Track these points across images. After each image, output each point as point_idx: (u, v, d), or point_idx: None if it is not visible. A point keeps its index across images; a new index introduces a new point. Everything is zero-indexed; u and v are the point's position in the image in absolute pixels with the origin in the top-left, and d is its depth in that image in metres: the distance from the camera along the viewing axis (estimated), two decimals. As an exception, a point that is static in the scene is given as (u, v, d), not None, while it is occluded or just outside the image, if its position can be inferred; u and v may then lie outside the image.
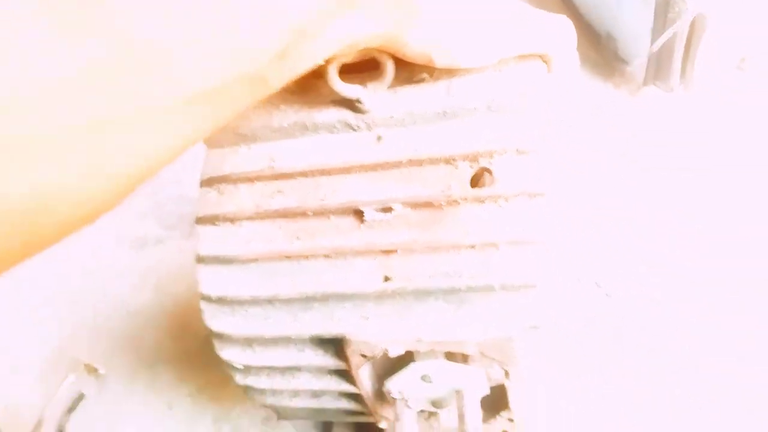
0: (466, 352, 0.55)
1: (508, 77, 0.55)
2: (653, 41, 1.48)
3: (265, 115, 0.64)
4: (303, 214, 0.61)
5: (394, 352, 0.57)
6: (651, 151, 1.53)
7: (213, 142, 0.68)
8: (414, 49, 0.51)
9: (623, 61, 1.69)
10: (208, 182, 0.67)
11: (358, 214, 0.58)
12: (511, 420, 0.68)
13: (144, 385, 1.05)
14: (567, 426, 0.91)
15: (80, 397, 1.02)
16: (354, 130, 0.61)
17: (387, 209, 0.57)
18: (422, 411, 0.65)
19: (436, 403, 0.63)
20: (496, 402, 0.63)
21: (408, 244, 0.56)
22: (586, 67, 1.72)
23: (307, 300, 0.61)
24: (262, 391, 0.73)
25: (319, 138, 0.62)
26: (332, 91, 0.56)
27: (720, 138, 1.50)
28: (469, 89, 0.56)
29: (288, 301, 0.62)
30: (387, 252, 0.57)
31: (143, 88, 0.33)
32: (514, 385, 0.60)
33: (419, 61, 0.53)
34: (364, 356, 0.59)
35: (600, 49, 1.76)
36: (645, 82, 1.67)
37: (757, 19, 1.61)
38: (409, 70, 0.57)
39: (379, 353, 0.58)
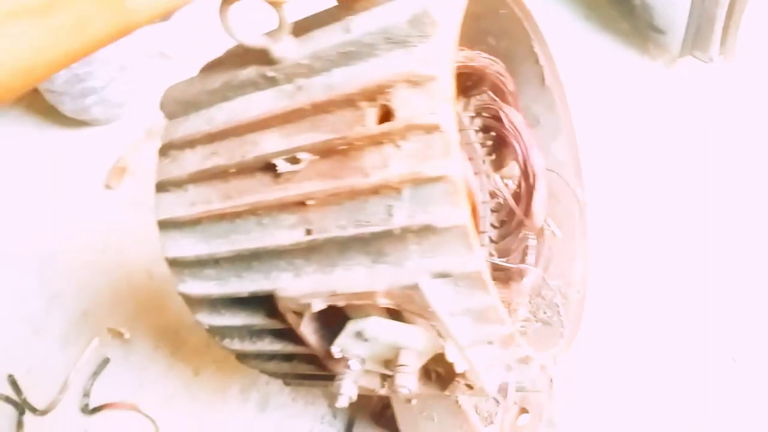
0: (377, 303, 0.52)
1: (403, 7, 0.52)
2: (692, 8, 1.37)
3: (205, 80, 0.66)
4: (232, 173, 0.61)
5: (316, 306, 0.56)
6: (689, 127, 1.47)
7: (170, 113, 0.71)
8: None
9: (658, 31, 1.60)
10: (162, 151, 0.69)
11: (272, 167, 0.57)
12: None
13: (169, 350, 1.05)
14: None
15: (105, 361, 1.03)
16: (275, 83, 0.60)
17: (295, 160, 0.55)
18: (375, 372, 0.63)
19: (388, 364, 0.61)
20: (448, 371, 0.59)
21: (320, 194, 0.54)
22: (618, 38, 1.64)
23: (246, 258, 0.61)
24: (240, 354, 0.74)
25: (247, 96, 0.62)
26: (250, 49, 0.57)
27: (764, 112, 1.37)
28: (365, 24, 0.53)
29: (231, 260, 0.62)
30: (303, 204, 0.55)
31: None
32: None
33: None
34: (296, 313, 0.58)
35: (633, 18, 1.67)
36: (682, 53, 1.58)
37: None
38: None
39: (305, 309, 0.56)
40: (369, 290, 0.52)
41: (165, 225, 0.67)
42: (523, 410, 0.78)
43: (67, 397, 0.97)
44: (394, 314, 0.56)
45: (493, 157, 0.85)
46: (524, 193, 0.81)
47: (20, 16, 0.36)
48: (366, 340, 0.57)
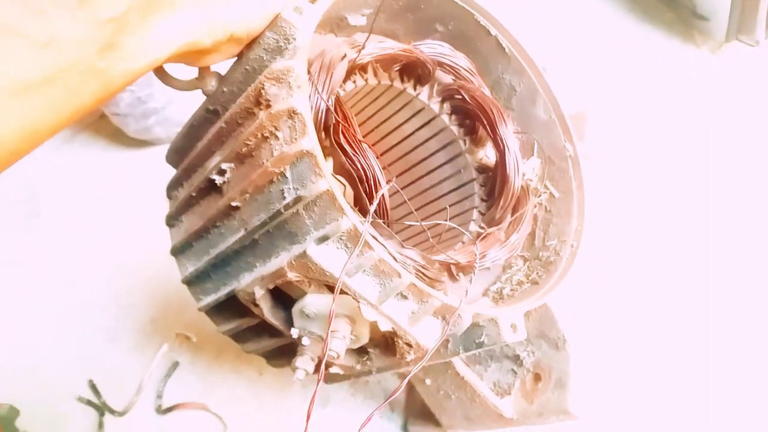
0: (288, 277, 0.58)
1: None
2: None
3: (184, 129, 0.79)
4: (196, 197, 0.73)
5: (258, 293, 0.64)
6: (739, 112, 1.46)
7: (172, 163, 0.86)
8: (250, 27, 0.58)
9: (702, 18, 1.59)
10: (167, 194, 0.84)
11: (214, 183, 0.67)
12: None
13: (234, 353, 1.12)
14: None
15: (175, 364, 1.11)
16: (217, 114, 0.71)
17: (222, 172, 0.65)
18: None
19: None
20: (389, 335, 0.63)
21: (241, 195, 0.62)
22: (662, 28, 1.62)
23: (221, 266, 0.71)
24: (262, 354, 0.85)
25: (206, 131, 0.73)
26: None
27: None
28: (253, 48, 0.61)
29: (215, 270, 0.73)
30: (234, 208, 0.64)
31: None
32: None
33: (251, 35, 0.59)
34: (254, 304, 0.67)
35: (676, 7, 1.65)
36: (727, 38, 1.55)
37: None
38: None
39: (252, 298, 0.65)
40: (279, 267, 0.59)
41: (175, 253, 0.81)
42: (537, 376, 0.75)
43: (141, 399, 1.07)
44: (332, 290, 0.62)
45: (473, 136, 0.86)
46: (499, 162, 0.81)
47: (22, 92, 0.41)
48: (309, 316, 0.63)
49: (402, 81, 0.82)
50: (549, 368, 0.74)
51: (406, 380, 0.51)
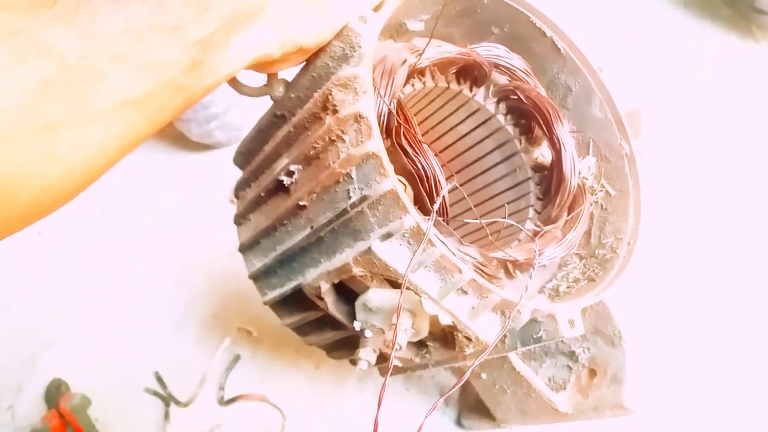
0: (354, 272, 0.61)
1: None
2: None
3: (251, 132, 0.84)
4: (264, 197, 0.77)
5: (324, 287, 0.67)
6: None
7: (239, 165, 0.91)
8: (319, 39, 0.62)
9: (761, 12, 1.52)
10: (235, 194, 0.89)
11: (282, 184, 0.71)
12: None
13: (292, 347, 1.16)
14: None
15: (236, 358, 1.16)
16: (284, 119, 0.75)
17: (290, 173, 0.69)
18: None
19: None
20: (449, 329, 0.65)
21: (308, 194, 0.66)
22: (719, 23, 1.60)
23: (287, 262, 0.75)
24: (322, 347, 0.89)
25: (273, 135, 0.78)
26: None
27: None
28: (320, 56, 0.65)
29: (281, 266, 0.77)
30: (302, 207, 0.68)
31: (79, 98, 0.42)
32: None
33: (319, 45, 0.63)
34: (319, 298, 0.70)
35: (734, 2, 1.61)
36: None
37: None
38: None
39: (318, 292, 0.68)
40: (345, 263, 0.62)
41: (242, 249, 0.86)
42: (593, 372, 0.76)
43: (204, 391, 1.12)
44: (393, 284, 0.65)
45: (529, 135, 0.87)
46: (555, 160, 0.82)
47: (124, 108, 0.46)
48: (371, 310, 0.66)
49: (458, 83, 0.85)
50: (605, 364, 0.75)
51: (468, 373, 0.53)
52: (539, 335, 0.65)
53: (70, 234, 1.29)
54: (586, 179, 0.87)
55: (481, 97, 0.86)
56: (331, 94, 0.62)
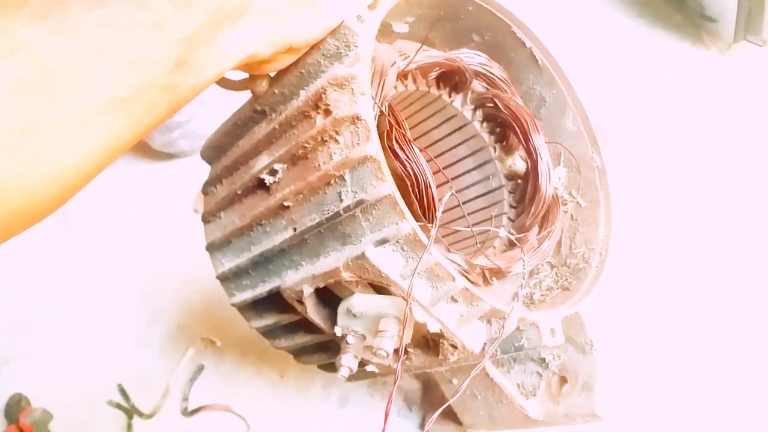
0: (343, 277, 0.60)
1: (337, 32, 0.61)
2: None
3: (224, 125, 0.80)
4: (241, 195, 0.74)
5: (306, 291, 0.65)
6: (749, 112, 1.49)
7: (208, 159, 0.87)
8: (310, 38, 0.60)
9: (710, 20, 1.59)
10: (204, 190, 0.85)
11: (263, 183, 0.68)
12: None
13: (256, 356, 1.16)
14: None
15: (200, 368, 1.15)
16: (264, 114, 0.72)
17: (274, 171, 0.66)
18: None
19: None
20: (435, 335, 0.64)
21: (293, 195, 0.64)
22: (671, 30, 1.67)
23: (263, 263, 0.73)
24: (290, 351, 0.86)
25: (250, 130, 0.75)
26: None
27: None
28: (310, 53, 0.63)
29: (255, 267, 0.75)
30: (285, 207, 0.66)
31: (59, 98, 0.40)
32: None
33: (310, 44, 0.61)
34: (299, 301, 0.68)
35: (685, 9, 1.68)
36: (735, 39, 1.59)
37: None
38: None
39: (300, 295, 0.66)
40: (334, 267, 0.60)
41: (210, 248, 0.82)
42: (563, 379, 0.78)
43: (168, 402, 1.10)
44: (377, 289, 0.64)
45: (504, 143, 0.88)
46: (531, 170, 0.83)
47: (108, 109, 0.43)
48: (355, 315, 0.64)
49: (438, 88, 0.84)
50: (575, 371, 0.77)
51: (462, 388, 0.53)
52: (521, 343, 0.66)
53: (29, 245, 1.24)
54: (557, 189, 0.89)
55: (459, 104, 0.87)
56: (325, 93, 0.60)
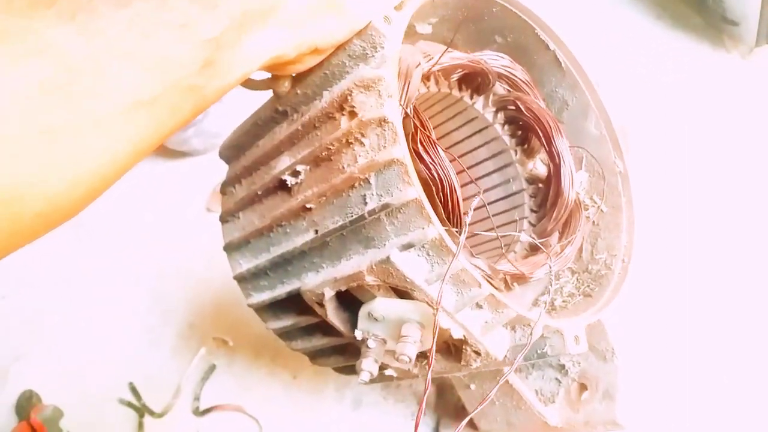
0: (366, 281, 0.59)
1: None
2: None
3: (243, 125, 0.80)
4: (262, 195, 0.73)
5: (328, 294, 0.64)
6: None
7: (227, 159, 0.86)
8: (335, 40, 0.59)
9: (732, 23, 1.54)
10: (222, 190, 0.84)
11: (284, 184, 0.68)
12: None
13: (269, 357, 1.14)
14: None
15: (212, 368, 1.14)
16: (286, 115, 0.71)
17: (296, 173, 0.66)
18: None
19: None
20: (457, 341, 0.64)
21: (316, 197, 0.63)
22: (691, 33, 1.63)
23: (282, 264, 0.72)
24: (307, 353, 0.85)
25: (271, 130, 0.74)
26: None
27: None
28: (335, 53, 0.62)
29: (274, 268, 0.74)
30: (307, 209, 0.65)
31: (83, 100, 0.40)
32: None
33: (335, 46, 0.60)
34: (319, 304, 0.67)
35: (705, 13, 1.63)
36: (758, 42, 1.55)
37: None
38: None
39: (321, 298, 0.65)
40: (357, 270, 0.60)
41: (228, 249, 0.82)
42: (583, 386, 0.77)
43: (180, 401, 1.10)
44: (399, 293, 0.63)
45: (525, 146, 0.87)
46: (553, 174, 0.82)
47: (132, 110, 0.43)
48: (377, 319, 0.64)
49: (460, 90, 0.84)
50: (596, 379, 0.76)
51: (490, 395, 0.52)
52: (545, 350, 0.65)
53: (41, 243, 1.21)
54: (579, 194, 0.88)
55: (481, 106, 0.86)
56: (351, 95, 0.60)
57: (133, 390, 1.11)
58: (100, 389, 1.10)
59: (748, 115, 1.49)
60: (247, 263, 0.78)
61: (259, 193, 0.73)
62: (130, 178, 1.29)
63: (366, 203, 0.58)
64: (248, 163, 0.77)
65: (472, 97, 0.85)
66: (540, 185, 0.87)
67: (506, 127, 0.87)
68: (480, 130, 0.89)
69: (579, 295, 0.77)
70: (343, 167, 0.60)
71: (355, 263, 0.61)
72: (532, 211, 0.86)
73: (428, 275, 0.57)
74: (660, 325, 1.13)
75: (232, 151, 0.83)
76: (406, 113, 0.64)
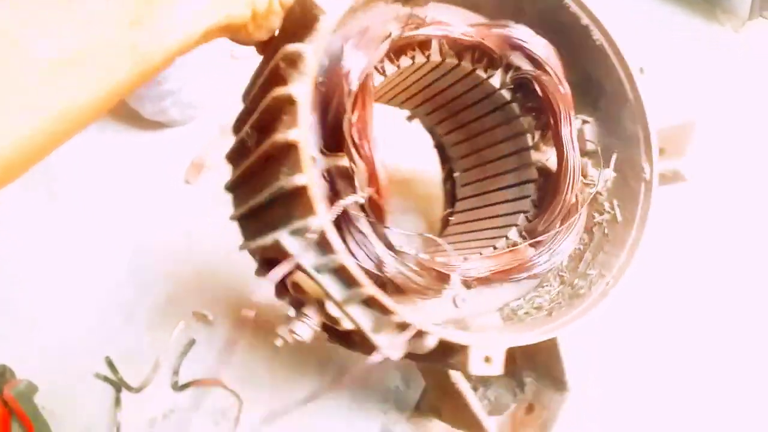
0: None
1: None
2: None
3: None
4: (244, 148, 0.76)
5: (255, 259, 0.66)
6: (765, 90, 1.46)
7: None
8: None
9: None
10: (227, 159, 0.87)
11: (245, 144, 0.69)
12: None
13: (249, 331, 1.11)
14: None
15: (191, 342, 1.08)
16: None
17: (249, 135, 0.66)
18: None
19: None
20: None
21: (249, 166, 0.64)
22: (685, 7, 1.59)
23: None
24: None
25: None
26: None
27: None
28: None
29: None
30: (251, 174, 0.66)
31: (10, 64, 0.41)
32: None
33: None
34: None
35: None
36: (750, 15, 1.58)
37: None
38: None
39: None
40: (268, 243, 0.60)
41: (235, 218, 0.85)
42: (531, 407, 0.69)
43: (158, 376, 1.04)
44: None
45: (543, 132, 0.77)
46: (557, 167, 0.73)
47: (57, 70, 0.43)
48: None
49: (473, 62, 0.76)
50: (541, 405, 0.68)
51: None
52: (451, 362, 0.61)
53: (14, 215, 1.22)
54: (601, 194, 0.77)
55: (498, 81, 0.77)
56: (279, 69, 0.58)
57: (110, 364, 1.07)
58: (76, 364, 1.06)
59: (741, 87, 1.50)
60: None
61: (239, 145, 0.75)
62: (106, 148, 1.29)
63: (278, 179, 0.58)
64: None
65: (486, 71, 0.76)
66: (549, 179, 0.77)
67: (526, 106, 0.78)
68: (496, 109, 0.80)
69: (544, 311, 0.69)
70: (264, 140, 0.60)
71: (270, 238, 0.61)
72: (534, 205, 0.78)
73: (315, 263, 0.55)
74: (626, 364, 1.04)
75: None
76: (350, 90, 0.61)
